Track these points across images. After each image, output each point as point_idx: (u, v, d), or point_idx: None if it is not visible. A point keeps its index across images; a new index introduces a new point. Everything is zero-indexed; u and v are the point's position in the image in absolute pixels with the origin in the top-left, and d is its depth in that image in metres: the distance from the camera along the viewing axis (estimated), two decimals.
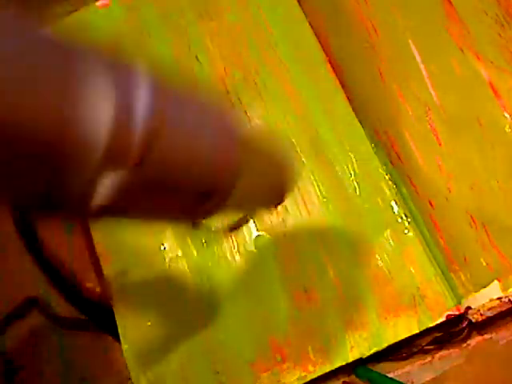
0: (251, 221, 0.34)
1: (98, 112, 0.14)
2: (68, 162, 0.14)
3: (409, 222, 0.36)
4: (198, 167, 0.18)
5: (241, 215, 0.26)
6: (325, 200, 0.38)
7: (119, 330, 0.36)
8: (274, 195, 0.26)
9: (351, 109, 0.39)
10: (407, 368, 0.35)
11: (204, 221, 0.22)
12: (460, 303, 0.34)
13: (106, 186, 0.15)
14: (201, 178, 0.19)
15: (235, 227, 0.27)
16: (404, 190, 0.37)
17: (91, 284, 0.39)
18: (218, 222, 0.25)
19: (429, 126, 0.38)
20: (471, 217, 0.36)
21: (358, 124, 0.39)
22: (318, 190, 0.38)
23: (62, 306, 0.39)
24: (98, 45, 0.16)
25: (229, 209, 0.22)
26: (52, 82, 0.14)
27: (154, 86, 0.16)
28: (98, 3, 0.46)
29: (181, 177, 0.18)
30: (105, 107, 0.14)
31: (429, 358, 0.35)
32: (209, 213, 0.20)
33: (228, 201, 0.20)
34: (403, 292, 0.35)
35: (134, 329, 0.36)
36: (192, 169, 0.18)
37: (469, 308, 0.34)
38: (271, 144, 0.25)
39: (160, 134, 0.16)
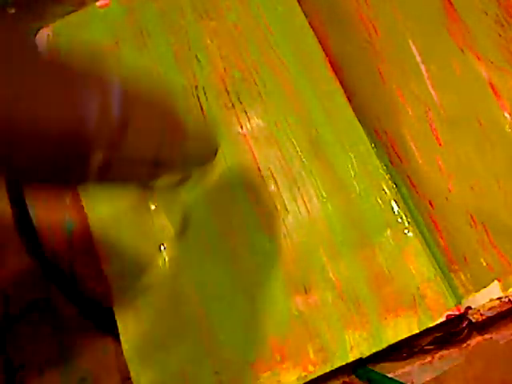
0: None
1: (90, 112, 0.22)
2: (74, 145, 0.22)
3: (409, 222, 0.36)
4: (153, 144, 0.26)
5: (181, 175, 0.34)
6: (325, 200, 0.38)
7: (119, 330, 0.36)
8: (205, 156, 0.34)
9: (351, 109, 0.39)
10: (407, 368, 0.35)
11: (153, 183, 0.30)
12: (460, 303, 0.34)
13: (97, 159, 0.23)
14: (156, 152, 0.26)
15: (178, 184, 0.34)
16: (404, 190, 0.37)
17: (91, 284, 0.39)
18: (164, 182, 0.32)
19: (429, 126, 0.38)
20: (471, 217, 0.36)
21: (358, 124, 0.39)
22: (317, 190, 0.38)
23: (62, 306, 0.39)
24: (84, 62, 0.24)
25: (172, 171, 0.31)
26: (57, 96, 0.22)
27: (123, 94, 0.23)
28: (97, 3, 0.46)
29: (143, 153, 0.26)
30: (93, 110, 0.22)
31: (429, 358, 0.35)
32: (157, 176, 0.28)
33: (174, 166, 0.29)
34: (403, 292, 0.35)
35: (134, 329, 0.36)
36: (151, 146, 0.26)
37: (469, 308, 0.34)
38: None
39: (128, 124, 0.23)
